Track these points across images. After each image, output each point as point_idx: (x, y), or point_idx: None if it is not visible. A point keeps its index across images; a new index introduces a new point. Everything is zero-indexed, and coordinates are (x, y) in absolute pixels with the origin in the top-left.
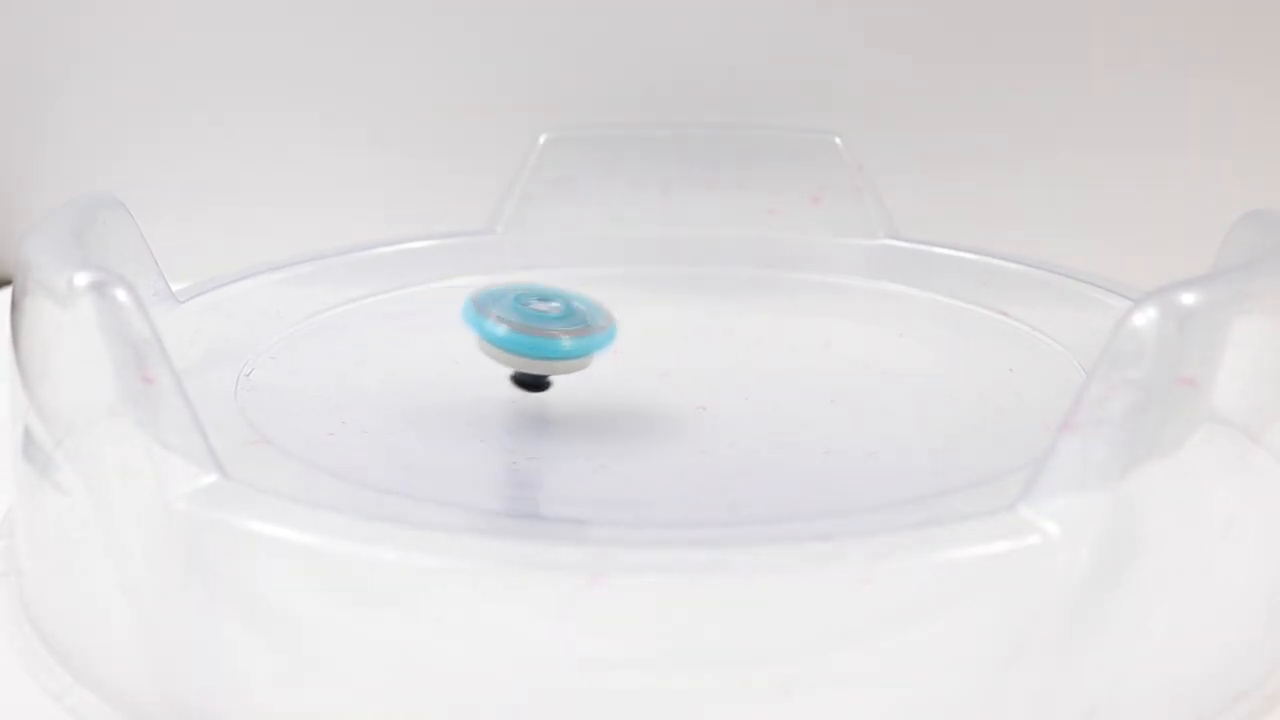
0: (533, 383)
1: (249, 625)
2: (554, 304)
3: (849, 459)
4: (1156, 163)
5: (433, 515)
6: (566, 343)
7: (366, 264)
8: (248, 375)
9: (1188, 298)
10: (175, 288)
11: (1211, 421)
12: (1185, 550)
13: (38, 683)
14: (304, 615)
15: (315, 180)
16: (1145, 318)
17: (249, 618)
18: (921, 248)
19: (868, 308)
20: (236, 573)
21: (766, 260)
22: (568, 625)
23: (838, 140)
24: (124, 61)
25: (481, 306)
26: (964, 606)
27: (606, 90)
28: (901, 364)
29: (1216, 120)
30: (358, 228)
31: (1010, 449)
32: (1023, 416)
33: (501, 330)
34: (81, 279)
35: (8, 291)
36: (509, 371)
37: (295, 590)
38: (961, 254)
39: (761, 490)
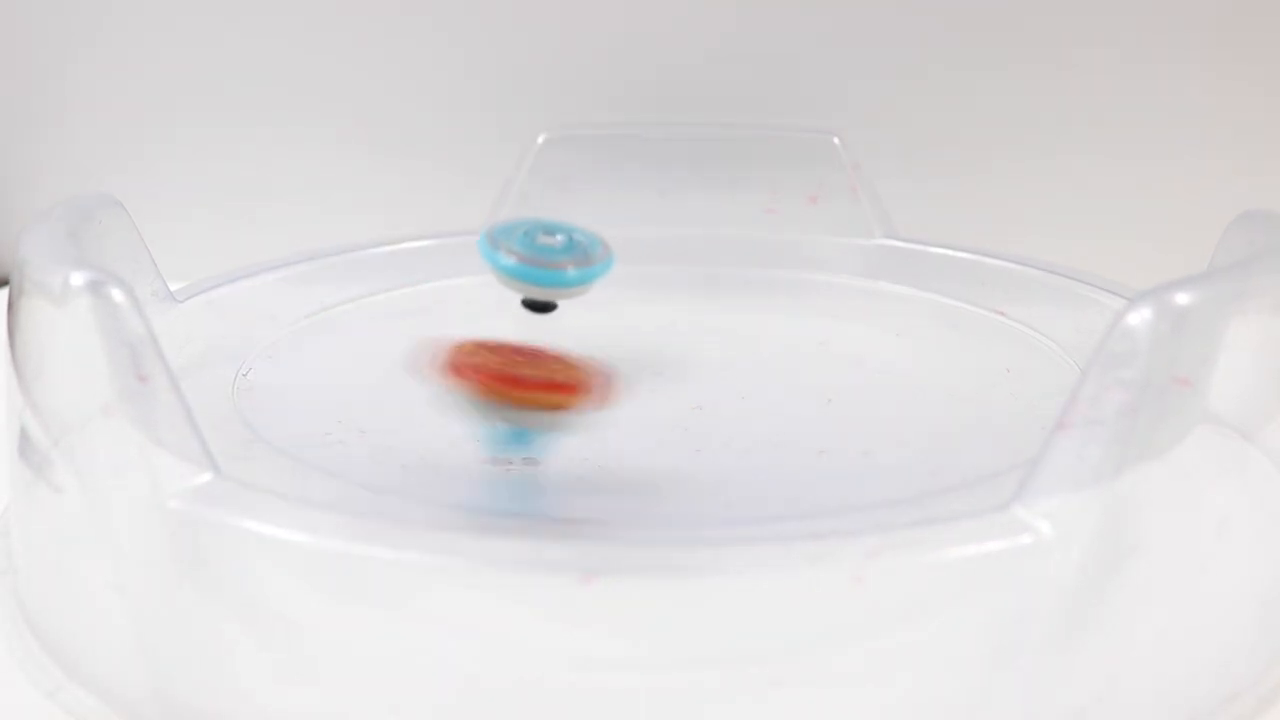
0: (540, 306)
1: (243, 624)
2: (558, 237)
3: (844, 458)
4: (1153, 163)
5: (430, 515)
6: (571, 272)
7: (365, 264)
8: (245, 375)
9: (1183, 297)
10: (173, 287)
11: (1206, 422)
12: (1179, 550)
13: (31, 680)
14: (299, 614)
15: (315, 180)
16: (1140, 317)
17: (243, 616)
18: (918, 247)
19: (865, 307)
20: (231, 571)
21: (764, 260)
22: (564, 624)
23: (836, 140)
24: (124, 61)
25: (495, 241)
26: (958, 605)
27: (606, 90)
28: (898, 363)
29: (1214, 120)
30: (358, 228)
31: (1005, 448)
32: (1018, 416)
33: (511, 261)
34: (77, 278)
35: (5, 291)
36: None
37: (290, 589)
38: (958, 254)
39: (756, 489)
